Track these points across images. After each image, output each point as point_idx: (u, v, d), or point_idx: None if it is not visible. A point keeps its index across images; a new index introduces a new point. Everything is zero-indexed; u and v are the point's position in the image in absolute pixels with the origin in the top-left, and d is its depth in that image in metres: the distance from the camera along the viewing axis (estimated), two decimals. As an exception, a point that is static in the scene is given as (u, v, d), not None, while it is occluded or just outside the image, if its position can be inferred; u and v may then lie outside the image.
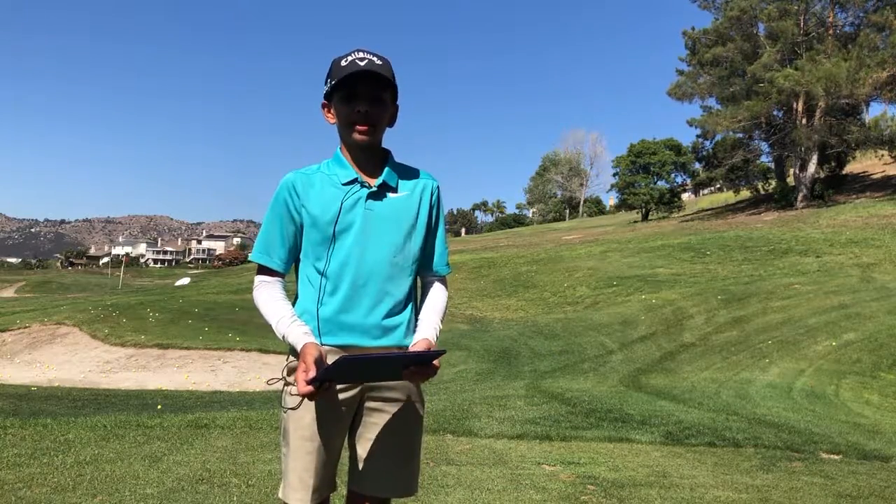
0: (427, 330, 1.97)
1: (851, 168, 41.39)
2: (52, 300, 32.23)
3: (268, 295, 1.97)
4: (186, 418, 6.20)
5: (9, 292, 49.42)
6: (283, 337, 1.90)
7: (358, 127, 1.92)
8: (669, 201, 49.80)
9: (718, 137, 39.39)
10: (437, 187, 2.10)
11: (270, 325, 1.95)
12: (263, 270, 2.00)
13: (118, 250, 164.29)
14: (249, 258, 2.10)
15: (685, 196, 59.63)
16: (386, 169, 2.00)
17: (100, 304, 23.26)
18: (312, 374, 1.74)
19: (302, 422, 1.93)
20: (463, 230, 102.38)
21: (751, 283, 18.80)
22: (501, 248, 36.87)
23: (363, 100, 1.91)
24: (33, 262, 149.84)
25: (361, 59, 1.89)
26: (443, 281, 2.13)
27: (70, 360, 15.87)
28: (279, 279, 2.00)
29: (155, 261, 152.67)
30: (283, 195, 1.97)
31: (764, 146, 38.35)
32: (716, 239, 26.46)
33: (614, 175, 55.31)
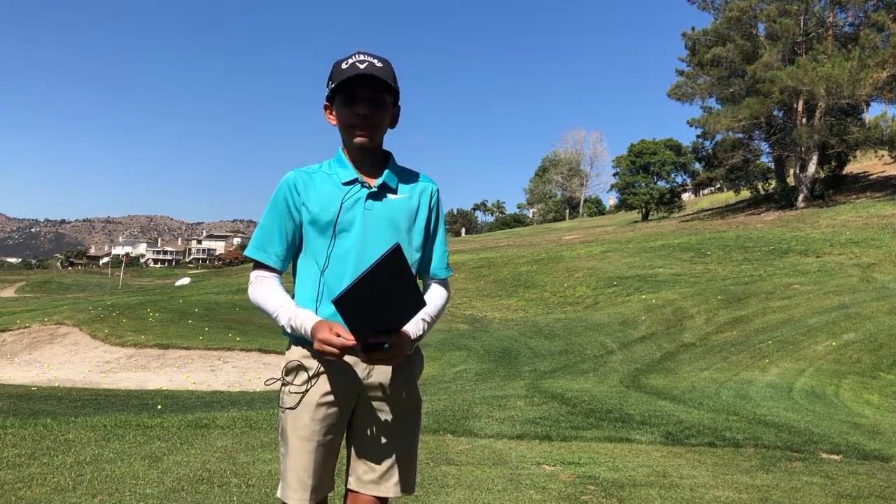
0: (410, 324, 1.95)
1: (851, 168, 41.36)
2: (52, 300, 32.22)
3: (266, 288, 1.96)
4: (186, 418, 6.20)
5: (9, 292, 49.38)
6: (288, 321, 1.88)
7: (358, 130, 1.93)
8: (669, 201, 49.80)
9: (718, 137, 39.34)
10: (437, 191, 2.10)
11: (270, 315, 1.93)
12: (260, 267, 2.00)
13: (118, 250, 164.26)
14: (245, 254, 2.09)
15: (685, 196, 59.66)
16: (386, 170, 2.01)
17: (100, 304, 23.26)
18: (347, 333, 1.75)
19: (300, 422, 1.92)
20: (463, 230, 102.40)
21: (751, 283, 18.80)
22: (501, 248, 36.86)
23: (363, 103, 1.91)
24: (33, 262, 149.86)
25: (362, 62, 1.90)
26: (443, 283, 2.13)
27: (70, 360, 15.87)
28: (276, 275, 2.00)
29: (155, 261, 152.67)
30: (284, 192, 1.97)
31: (764, 146, 38.33)
32: (716, 239, 26.46)
33: (614, 175, 55.44)
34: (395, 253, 1.69)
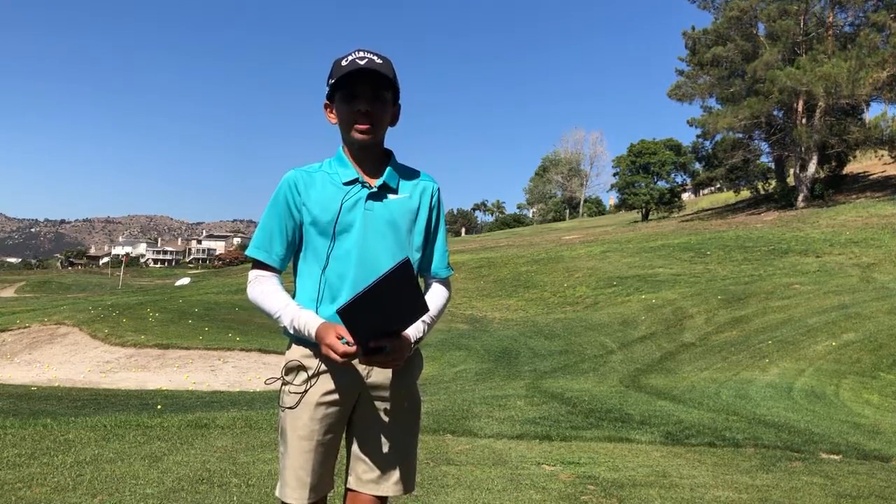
0: (410, 328, 1.95)
1: (851, 168, 41.34)
2: (52, 300, 32.20)
3: (267, 287, 1.96)
4: (186, 418, 6.20)
5: (9, 292, 49.36)
6: (291, 323, 1.89)
7: (358, 126, 1.93)
8: (669, 201, 49.79)
9: (718, 137, 39.31)
10: (438, 190, 2.10)
11: (272, 316, 1.93)
12: (260, 266, 2.00)
13: (118, 250, 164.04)
14: (246, 253, 2.09)
15: (685, 196, 59.63)
16: (387, 170, 2.00)
17: (100, 304, 23.25)
18: (349, 338, 1.75)
19: (299, 421, 1.93)
20: (463, 230, 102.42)
21: (751, 283, 18.80)
22: (501, 248, 36.86)
23: (363, 98, 1.91)
24: (33, 262, 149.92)
25: (362, 59, 1.90)
26: (444, 283, 2.13)
27: (70, 360, 15.86)
28: (276, 275, 2.00)
29: (155, 261, 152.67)
30: (284, 192, 1.97)
31: (764, 146, 38.29)
32: (716, 239, 26.45)
33: (614, 175, 55.39)
34: (403, 268, 1.69)
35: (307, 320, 1.86)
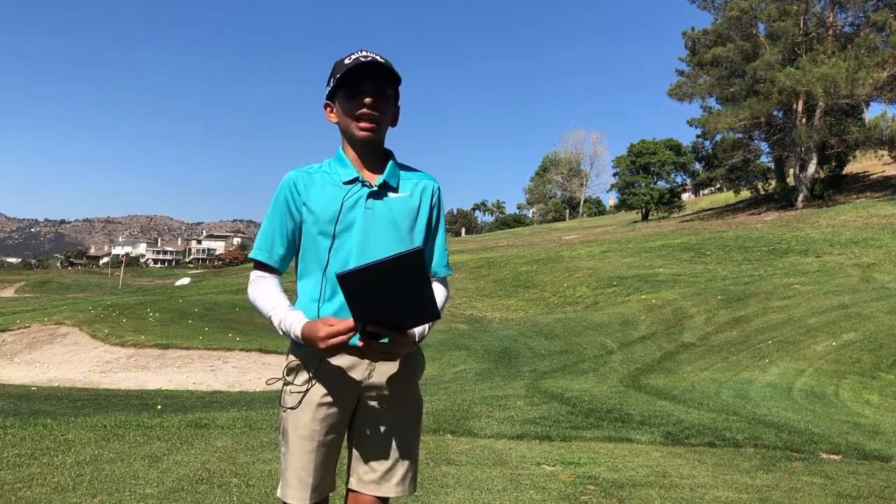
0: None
1: (851, 168, 41.34)
2: (52, 300, 32.20)
3: (265, 288, 1.97)
4: (186, 418, 6.20)
5: (9, 292, 49.38)
6: (280, 322, 1.88)
7: (362, 122, 1.93)
8: (669, 201, 49.80)
9: (718, 137, 39.33)
10: (438, 189, 2.10)
11: (265, 315, 1.94)
12: (261, 267, 2.01)
13: (118, 250, 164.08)
14: (249, 255, 2.10)
15: (685, 196, 59.65)
16: (387, 169, 2.01)
17: (100, 304, 23.24)
18: (340, 323, 1.73)
19: (300, 421, 1.92)
20: (463, 230, 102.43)
21: (751, 283, 18.80)
22: (501, 248, 36.86)
23: (368, 94, 1.92)
24: (33, 262, 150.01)
25: (365, 57, 1.91)
26: (443, 282, 2.13)
27: (70, 360, 15.86)
28: (276, 276, 2.01)
29: (155, 261, 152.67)
30: (285, 193, 1.98)
31: (764, 146, 38.32)
32: (716, 239, 26.45)
33: (614, 175, 55.45)
34: (415, 254, 1.66)
35: (293, 321, 1.85)
